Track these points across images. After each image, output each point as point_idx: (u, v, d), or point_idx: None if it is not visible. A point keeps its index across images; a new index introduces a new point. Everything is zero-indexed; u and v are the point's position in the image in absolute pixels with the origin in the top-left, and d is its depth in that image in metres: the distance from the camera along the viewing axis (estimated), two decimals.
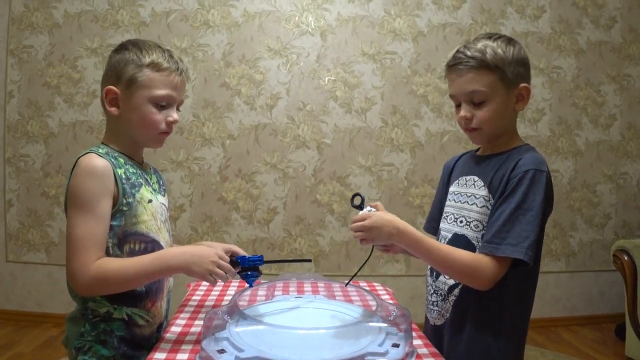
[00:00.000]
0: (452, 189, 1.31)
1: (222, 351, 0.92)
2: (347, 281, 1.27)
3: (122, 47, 1.14)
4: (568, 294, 3.34)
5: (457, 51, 1.17)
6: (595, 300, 3.37)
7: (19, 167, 3.08)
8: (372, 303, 1.14)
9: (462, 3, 3.16)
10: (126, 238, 1.08)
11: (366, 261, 1.23)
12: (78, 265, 1.00)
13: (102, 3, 3.04)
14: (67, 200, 1.06)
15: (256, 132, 3.10)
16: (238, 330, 0.97)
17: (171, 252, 1.08)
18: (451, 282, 1.20)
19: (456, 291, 1.19)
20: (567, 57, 3.26)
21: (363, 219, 1.11)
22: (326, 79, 3.11)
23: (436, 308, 1.25)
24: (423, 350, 1.06)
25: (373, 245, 1.15)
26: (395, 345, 0.97)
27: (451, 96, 1.21)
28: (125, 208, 1.08)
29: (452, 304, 1.20)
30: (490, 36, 1.17)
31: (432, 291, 1.28)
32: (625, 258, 2.68)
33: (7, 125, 3.07)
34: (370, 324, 1.02)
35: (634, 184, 3.38)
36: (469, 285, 1.13)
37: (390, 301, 1.41)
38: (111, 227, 1.06)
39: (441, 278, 1.24)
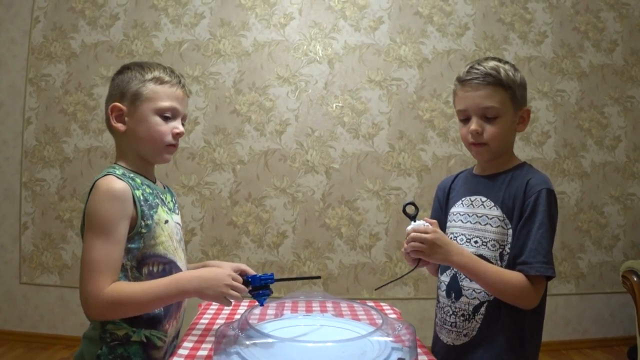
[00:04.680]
0: (455, 209, 1.33)
1: None
2: (378, 287, 1.32)
3: (125, 68, 1.17)
4: (578, 317, 3.32)
5: (471, 67, 1.22)
6: (607, 322, 3.34)
7: (35, 191, 3.16)
8: (379, 321, 1.17)
9: (465, 30, 3.24)
10: (145, 260, 1.08)
11: (409, 272, 1.25)
12: (92, 289, 1.00)
13: (117, 34, 3.15)
14: (83, 223, 1.06)
15: (266, 157, 3.16)
16: (248, 344, 1.00)
17: (184, 277, 1.07)
18: (476, 301, 1.22)
19: (482, 310, 1.21)
20: (570, 81, 3.31)
21: (426, 232, 1.12)
22: (334, 105, 3.18)
23: (455, 329, 1.26)
24: None
25: (420, 260, 1.17)
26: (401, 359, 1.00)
27: (460, 111, 1.25)
28: (144, 230, 1.08)
29: (479, 322, 1.21)
30: (498, 59, 1.24)
31: (450, 312, 1.27)
32: (635, 279, 2.67)
33: (25, 151, 3.16)
34: (376, 338, 1.05)
35: None
36: (516, 305, 1.16)
37: (397, 319, 1.43)
38: (130, 250, 1.06)
39: (463, 299, 1.24)
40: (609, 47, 3.35)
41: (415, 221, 1.16)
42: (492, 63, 1.22)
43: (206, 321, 1.39)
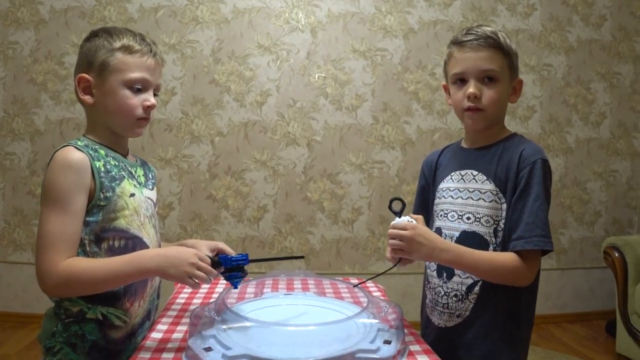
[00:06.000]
0: (445, 185, 1.28)
1: (208, 349, 0.89)
2: (356, 283, 1.25)
3: (93, 35, 1.10)
4: (558, 291, 3.34)
5: (469, 30, 1.17)
6: (586, 297, 3.38)
7: (5, 165, 3.03)
8: (363, 299, 1.12)
9: (453, 0, 3.15)
10: (104, 234, 1.03)
11: (388, 270, 1.18)
12: (46, 263, 0.95)
13: None
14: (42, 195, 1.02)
15: (246, 129, 3.07)
16: (225, 328, 0.94)
17: (145, 254, 1.02)
18: (469, 281, 1.17)
19: (476, 289, 1.16)
20: (558, 55, 3.27)
21: (405, 228, 1.07)
22: (316, 75, 3.08)
23: (448, 310, 1.21)
24: (415, 347, 1.04)
25: (400, 258, 1.10)
26: (387, 342, 0.95)
27: (455, 74, 1.19)
28: (103, 203, 1.02)
29: (473, 302, 1.17)
30: (490, 27, 1.19)
31: (442, 293, 1.22)
32: (616, 254, 2.68)
33: None
34: (361, 320, 1.00)
35: (623, 181, 3.39)
36: (513, 284, 1.11)
37: (382, 298, 1.39)
38: (88, 223, 1.01)
39: (456, 279, 1.19)
40: (598, 22, 3.30)
41: (400, 217, 1.11)
42: (490, 28, 1.17)
43: (182, 301, 1.34)
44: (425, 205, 1.34)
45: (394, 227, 1.08)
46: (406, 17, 3.12)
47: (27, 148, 3.03)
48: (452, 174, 1.26)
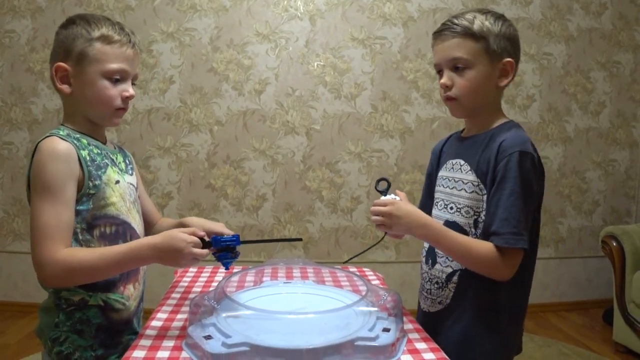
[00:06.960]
0: (441, 173, 1.28)
1: (208, 337, 0.90)
2: (347, 259, 1.32)
3: (70, 22, 1.07)
4: (557, 280, 3.36)
5: (447, 20, 1.17)
6: (584, 286, 3.40)
7: (3, 155, 3.02)
8: (362, 288, 1.12)
9: None
10: (96, 222, 1.04)
11: (375, 244, 1.31)
12: (45, 254, 0.95)
13: None
14: (28, 188, 1.02)
15: (244, 118, 3.06)
16: (225, 316, 0.94)
17: (143, 245, 1.02)
18: (449, 269, 1.18)
19: (455, 278, 1.17)
20: (558, 44, 3.25)
21: (385, 204, 1.11)
22: (315, 64, 3.07)
23: (430, 296, 1.23)
24: (414, 335, 1.04)
25: (386, 232, 1.16)
26: (386, 330, 0.95)
27: (435, 66, 1.20)
28: (92, 191, 1.03)
29: (452, 290, 1.18)
30: (481, 10, 1.17)
31: (427, 279, 1.25)
32: (614, 244, 2.68)
33: None
34: (361, 308, 1.00)
35: (622, 170, 3.39)
36: (489, 277, 1.09)
37: (381, 286, 1.39)
38: (79, 212, 1.02)
39: (437, 266, 1.21)
40: (598, 10, 3.28)
41: (385, 195, 1.18)
42: (469, 14, 1.15)
43: (182, 289, 1.34)
44: (431, 193, 1.35)
45: (376, 204, 1.13)
46: (405, 5, 3.10)
47: (25, 137, 3.02)
48: (446, 163, 1.27)
